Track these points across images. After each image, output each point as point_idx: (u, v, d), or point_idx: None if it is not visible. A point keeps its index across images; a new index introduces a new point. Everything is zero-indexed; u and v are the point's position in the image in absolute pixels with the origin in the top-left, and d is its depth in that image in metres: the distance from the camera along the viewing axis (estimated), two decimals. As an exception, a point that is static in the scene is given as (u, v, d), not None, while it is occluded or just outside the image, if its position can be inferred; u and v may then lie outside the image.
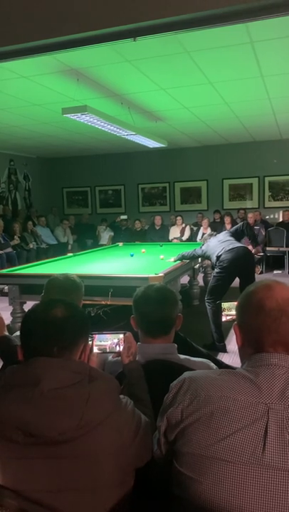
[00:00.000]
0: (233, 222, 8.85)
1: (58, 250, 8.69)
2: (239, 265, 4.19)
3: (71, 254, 6.27)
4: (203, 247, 4.66)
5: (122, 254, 6.14)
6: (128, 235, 9.44)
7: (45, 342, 1.11)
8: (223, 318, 1.80)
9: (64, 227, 10.07)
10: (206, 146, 9.85)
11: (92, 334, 1.53)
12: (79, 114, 5.00)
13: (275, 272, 8.48)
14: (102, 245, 8.78)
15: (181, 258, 4.86)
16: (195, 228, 9.42)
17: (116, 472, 1.07)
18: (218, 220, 9.34)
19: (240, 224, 4.79)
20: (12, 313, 4.36)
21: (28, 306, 3.66)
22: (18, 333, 1.27)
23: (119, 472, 1.08)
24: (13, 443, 1.00)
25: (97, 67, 4.42)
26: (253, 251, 5.32)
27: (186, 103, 6.01)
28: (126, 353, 1.51)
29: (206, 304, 4.26)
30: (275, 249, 8.57)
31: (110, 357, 1.63)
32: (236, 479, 0.95)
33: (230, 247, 4.26)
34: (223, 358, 3.87)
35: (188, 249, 4.99)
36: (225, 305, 1.76)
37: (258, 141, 9.43)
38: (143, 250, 6.35)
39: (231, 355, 3.96)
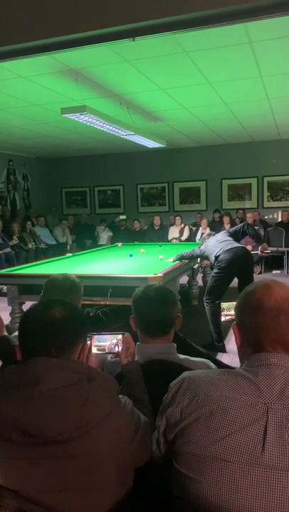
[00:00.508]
0: (232, 222, 8.86)
1: (57, 250, 8.68)
2: (238, 265, 4.19)
3: (70, 254, 6.27)
4: (202, 247, 4.67)
5: (121, 255, 6.14)
6: (127, 235, 9.44)
7: (44, 342, 1.11)
8: (223, 318, 1.80)
9: (63, 228, 10.07)
10: (205, 146, 9.85)
11: (90, 334, 1.53)
12: (78, 114, 5.00)
13: (274, 271, 8.49)
14: (101, 245, 8.78)
15: (180, 258, 4.86)
16: (194, 228, 9.43)
17: (115, 472, 1.07)
18: (218, 220, 9.34)
19: (240, 225, 4.78)
20: (11, 314, 4.35)
21: (27, 306, 3.65)
22: (17, 333, 1.27)
23: (118, 472, 1.08)
24: (13, 443, 1.00)
25: (96, 67, 4.42)
26: (259, 248, 5.34)
27: (185, 103, 6.02)
28: (124, 353, 1.51)
29: (205, 304, 4.26)
30: (274, 249, 8.58)
31: (109, 357, 1.63)
32: (236, 479, 0.95)
33: (229, 247, 4.26)
34: (223, 357, 3.87)
35: (187, 250, 4.99)
36: (224, 305, 1.76)
37: (257, 141, 9.44)
38: (142, 250, 6.35)
39: (230, 355, 3.96)
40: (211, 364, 1.62)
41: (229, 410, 1.00)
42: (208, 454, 0.99)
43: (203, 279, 6.96)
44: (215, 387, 1.05)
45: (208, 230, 8.48)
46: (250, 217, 8.75)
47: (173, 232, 9.34)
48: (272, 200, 9.80)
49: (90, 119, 5.27)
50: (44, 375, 1.04)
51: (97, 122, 5.47)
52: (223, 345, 4.19)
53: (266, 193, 9.81)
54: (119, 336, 1.55)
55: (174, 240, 8.94)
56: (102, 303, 3.93)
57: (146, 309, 1.59)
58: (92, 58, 4.13)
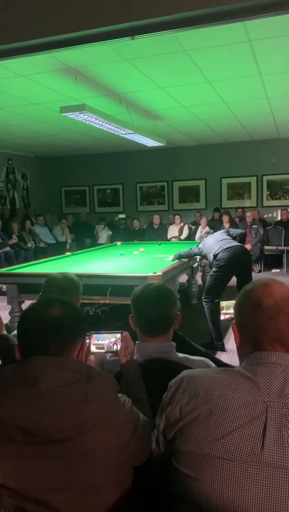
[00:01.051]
0: (232, 221, 8.87)
1: (57, 249, 8.67)
2: (236, 264, 4.19)
3: (69, 253, 6.27)
4: (200, 245, 4.67)
5: (120, 254, 6.14)
6: (126, 234, 9.43)
7: (43, 341, 1.11)
8: (222, 317, 1.80)
9: (62, 227, 10.06)
10: (205, 145, 9.85)
11: (89, 333, 1.53)
12: (77, 113, 4.99)
13: (273, 270, 8.49)
14: (100, 244, 8.77)
15: (179, 257, 4.86)
16: (193, 227, 9.43)
17: (114, 470, 1.07)
18: (217, 219, 9.34)
19: (236, 234, 4.77)
20: (10, 313, 4.35)
21: (27, 305, 3.65)
22: (16, 332, 1.27)
23: (117, 470, 1.08)
24: (12, 442, 1.00)
25: (96, 65, 4.42)
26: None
27: (185, 102, 6.01)
28: (123, 352, 1.51)
29: (204, 302, 4.26)
30: (274, 248, 8.58)
31: (108, 356, 1.63)
32: (235, 477, 0.95)
33: (228, 245, 4.26)
34: (222, 356, 3.87)
35: (186, 248, 4.99)
36: (223, 303, 1.76)
37: (256, 140, 9.43)
38: (142, 249, 6.35)
39: (230, 354, 3.96)
40: (211, 363, 1.63)
41: (228, 409, 1.00)
42: (208, 453, 0.99)
43: (203, 277, 6.97)
44: (214, 385, 1.05)
45: (207, 229, 8.49)
46: (249, 216, 8.75)
47: (172, 231, 9.34)
48: (271, 198, 9.80)
49: (90, 118, 5.27)
50: (43, 374, 1.04)
51: (97, 121, 5.47)
52: (223, 343, 4.19)
53: (265, 192, 9.81)
54: (118, 335, 1.55)
55: (174, 239, 8.94)
56: (102, 302, 3.93)
57: (145, 308, 1.59)
58: (91, 57, 4.13)
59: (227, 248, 4.24)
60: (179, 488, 1.04)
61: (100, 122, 5.54)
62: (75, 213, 10.95)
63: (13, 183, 10.29)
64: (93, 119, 5.35)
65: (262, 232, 8.61)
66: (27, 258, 7.98)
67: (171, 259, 4.89)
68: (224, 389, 1.04)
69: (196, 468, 1.00)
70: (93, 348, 1.54)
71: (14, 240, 8.37)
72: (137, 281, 3.06)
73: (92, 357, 1.49)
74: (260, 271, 8.39)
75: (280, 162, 9.39)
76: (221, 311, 1.78)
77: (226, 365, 1.80)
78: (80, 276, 2.28)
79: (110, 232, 9.95)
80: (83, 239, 10.07)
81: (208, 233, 4.96)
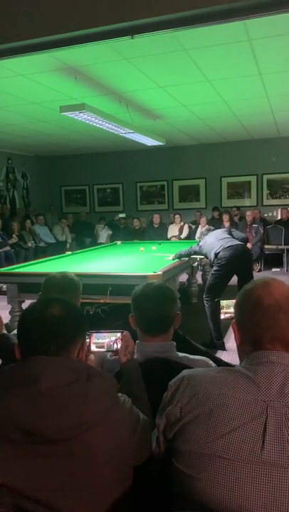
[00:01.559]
0: (232, 220, 8.87)
1: (57, 249, 8.67)
2: (237, 263, 4.18)
3: (69, 252, 6.27)
4: (201, 243, 4.66)
5: (120, 253, 6.14)
6: (126, 234, 9.43)
7: (43, 341, 1.11)
8: (222, 316, 1.80)
9: (62, 226, 10.06)
10: (205, 144, 9.84)
11: (89, 332, 1.53)
12: (77, 112, 4.99)
13: (273, 269, 8.49)
14: (100, 244, 8.77)
15: (179, 257, 4.86)
16: (193, 226, 9.42)
17: (114, 470, 1.07)
18: (217, 218, 9.33)
19: (239, 237, 4.78)
20: (10, 312, 4.36)
21: (27, 304, 3.66)
22: (16, 331, 1.27)
23: (117, 470, 1.08)
24: (12, 442, 1.00)
25: (95, 65, 4.41)
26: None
27: (185, 101, 6.01)
28: (123, 351, 1.51)
29: (205, 302, 4.26)
30: (274, 247, 8.58)
31: (108, 355, 1.63)
32: (235, 476, 0.95)
33: (229, 244, 4.26)
34: (222, 355, 3.87)
35: (186, 248, 4.99)
36: (223, 303, 1.76)
37: (256, 139, 9.43)
38: (141, 248, 6.36)
39: (230, 353, 3.96)
40: (211, 362, 1.63)
41: (229, 408, 1.00)
42: (208, 452, 0.99)
43: (203, 277, 6.96)
44: (214, 385, 1.05)
45: (207, 226, 8.48)
46: (249, 215, 8.75)
47: (172, 230, 9.34)
48: (271, 198, 9.79)
49: (89, 117, 5.26)
50: (43, 373, 1.04)
51: (96, 120, 5.46)
52: (223, 343, 4.19)
53: (265, 191, 9.81)
54: (118, 334, 1.55)
55: (174, 238, 8.93)
56: (102, 301, 3.93)
57: (145, 307, 1.59)
58: (91, 56, 4.12)
59: (228, 247, 4.23)
60: (179, 487, 1.04)
61: (100, 121, 5.54)
62: (75, 213, 10.95)
63: (13, 182, 10.28)
64: (93, 119, 5.35)
65: (262, 232, 8.60)
66: (27, 257, 7.98)
67: (171, 258, 4.89)
68: (224, 388, 1.04)
69: (196, 467, 1.00)
70: (93, 347, 1.54)
71: (14, 239, 8.37)
72: (137, 281, 3.06)
73: (92, 356, 1.49)
74: (260, 270, 8.39)
75: (280, 161, 9.39)
76: (221, 310, 1.78)
77: (226, 364, 1.80)
78: (80, 275, 2.28)
79: (110, 232, 9.95)
80: (83, 238, 10.06)
81: (208, 230, 4.93)
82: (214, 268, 4.30)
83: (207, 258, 4.73)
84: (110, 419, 1.07)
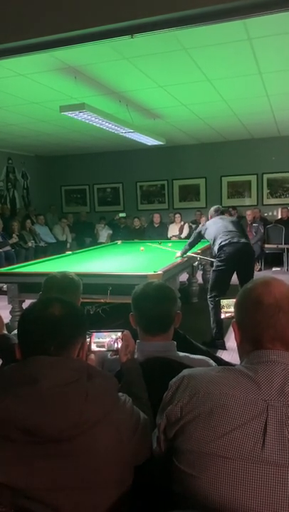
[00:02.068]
0: (232, 219, 8.85)
1: (57, 249, 8.67)
2: (239, 260, 4.20)
3: (70, 252, 6.27)
4: (208, 223, 4.64)
5: (120, 252, 6.14)
6: (127, 233, 9.43)
7: (43, 340, 1.11)
8: (222, 316, 1.80)
9: (62, 226, 10.06)
10: (205, 143, 9.84)
11: (90, 332, 1.53)
12: (77, 112, 4.99)
13: (273, 269, 8.49)
14: (100, 243, 8.77)
15: (187, 249, 4.84)
16: (194, 226, 9.42)
17: (115, 470, 1.07)
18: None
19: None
20: (11, 312, 4.36)
21: (27, 304, 3.66)
22: (16, 331, 1.27)
23: (118, 470, 1.08)
24: (13, 442, 1.00)
25: (95, 64, 4.41)
26: None
27: (184, 100, 6.00)
28: (124, 351, 1.51)
29: (209, 301, 4.25)
30: (274, 246, 8.58)
31: (109, 355, 1.63)
32: (236, 476, 0.95)
33: (235, 240, 4.27)
34: (223, 355, 3.87)
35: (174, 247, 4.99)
36: (224, 302, 1.76)
37: (256, 138, 9.42)
38: (142, 248, 6.36)
39: (231, 353, 3.96)
40: (211, 361, 1.62)
41: (229, 407, 1.00)
42: (209, 451, 0.99)
43: (203, 276, 6.97)
44: (215, 384, 1.05)
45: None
46: (249, 214, 8.74)
47: (172, 230, 9.34)
48: (271, 197, 9.79)
49: (89, 117, 5.26)
50: (43, 373, 1.04)
51: (96, 120, 5.46)
52: (223, 342, 4.19)
53: (266, 190, 9.80)
54: (119, 334, 1.55)
55: (174, 238, 8.93)
56: (102, 301, 3.93)
57: (145, 307, 1.59)
58: (91, 56, 4.12)
59: (234, 243, 4.23)
60: (180, 487, 1.04)
61: (100, 121, 5.54)
62: (75, 212, 10.95)
63: (13, 182, 10.28)
64: (93, 118, 5.35)
65: (262, 231, 8.60)
66: (27, 257, 7.98)
67: (179, 254, 4.89)
68: (225, 387, 1.04)
69: (196, 467, 1.00)
70: (94, 347, 1.54)
71: (14, 239, 8.37)
72: (137, 280, 3.06)
73: (92, 356, 1.49)
74: (260, 269, 8.38)
75: (280, 160, 9.38)
76: (222, 310, 1.78)
77: (226, 363, 1.80)
78: (81, 275, 2.28)
79: (110, 231, 9.95)
80: (83, 238, 10.06)
81: (217, 211, 4.81)
82: (216, 263, 4.31)
83: (210, 243, 4.69)
84: (111, 418, 1.07)
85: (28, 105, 5.95)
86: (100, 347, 1.55)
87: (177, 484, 1.06)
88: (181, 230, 9.26)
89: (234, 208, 9.44)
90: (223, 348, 4.14)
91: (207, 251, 5.97)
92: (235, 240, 4.25)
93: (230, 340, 4.18)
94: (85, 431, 1.02)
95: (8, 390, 1.03)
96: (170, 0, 2.11)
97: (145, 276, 3.58)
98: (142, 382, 1.43)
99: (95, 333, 1.56)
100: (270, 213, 9.68)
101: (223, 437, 0.98)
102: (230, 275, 4.29)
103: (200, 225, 4.70)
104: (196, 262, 5.97)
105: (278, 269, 8.46)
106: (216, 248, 4.34)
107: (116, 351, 1.54)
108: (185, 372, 1.16)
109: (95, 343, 1.55)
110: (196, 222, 9.42)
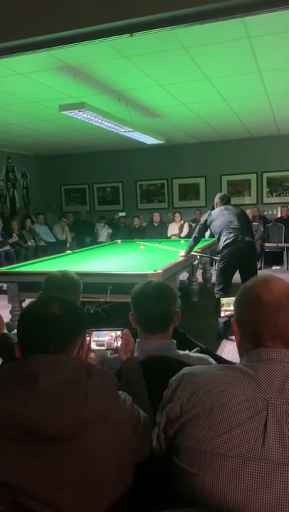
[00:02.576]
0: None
1: (57, 248, 8.67)
2: (241, 259, 4.33)
3: (70, 251, 6.27)
4: (213, 215, 4.67)
5: (120, 252, 6.14)
6: (127, 232, 9.43)
7: (42, 339, 1.11)
8: (222, 314, 1.79)
9: (62, 225, 10.05)
10: (204, 142, 9.83)
11: (89, 331, 1.53)
12: (76, 111, 4.99)
13: (273, 267, 8.49)
14: (100, 243, 8.77)
15: (193, 246, 4.86)
16: (193, 225, 9.42)
17: (115, 468, 1.07)
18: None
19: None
20: (11, 311, 4.36)
21: (27, 303, 3.66)
22: (16, 330, 1.27)
23: (118, 468, 1.08)
24: (13, 441, 1.00)
25: (94, 63, 4.41)
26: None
27: (184, 99, 6.00)
28: (123, 349, 1.51)
29: (216, 295, 4.33)
30: (274, 245, 8.58)
31: (109, 353, 1.63)
32: (236, 474, 0.95)
33: (239, 238, 4.36)
34: (223, 353, 3.87)
35: (186, 245, 5.00)
36: (224, 300, 1.76)
37: (256, 137, 9.42)
38: (141, 247, 6.35)
39: (231, 351, 3.96)
40: (211, 360, 1.63)
41: (229, 405, 1.00)
42: (209, 450, 0.99)
43: (203, 275, 6.97)
44: (215, 382, 1.05)
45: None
46: (249, 213, 8.72)
47: (172, 229, 9.34)
48: (271, 195, 9.79)
49: (89, 116, 5.26)
50: (43, 372, 1.04)
51: (96, 119, 5.46)
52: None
53: (265, 189, 9.80)
54: (118, 332, 1.55)
55: (174, 237, 8.93)
56: (102, 300, 3.93)
57: (145, 305, 1.59)
58: (90, 55, 4.12)
59: (238, 241, 4.33)
60: (180, 485, 1.04)
61: (99, 120, 5.54)
62: (75, 212, 10.94)
63: (12, 181, 10.28)
64: (92, 117, 5.34)
65: (262, 230, 8.60)
66: (27, 257, 7.98)
67: (184, 254, 4.88)
68: (225, 386, 1.04)
69: (196, 465, 1.00)
70: (93, 345, 1.55)
71: (14, 238, 8.37)
72: (137, 279, 3.06)
73: (92, 354, 1.49)
74: (260, 268, 8.36)
75: (280, 159, 9.38)
76: (221, 308, 1.77)
77: (226, 362, 1.80)
78: (81, 274, 2.28)
79: (110, 231, 9.95)
80: (83, 237, 10.06)
81: (222, 199, 4.81)
82: (220, 260, 4.46)
83: (214, 235, 4.75)
84: (111, 417, 1.07)
85: (27, 104, 5.94)
86: (99, 346, 1.55)
87: (177, 482, 1.06)
88: (180, 229, 9.26)
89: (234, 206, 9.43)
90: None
91: (207, 250, 5.98)
92: (239, 238, 4.36)
93: (230, 339, 4.18)
94: (85, 430, 1.02)
95: (7, 389, 1.03)
96: (169, -2, 2.11)
97: (145, 275, 3.58)
98: (141, 381, 1.43)
99: (94, 332, 1.56)
100: (270, 212, 9.68)
101: (223, 435, 0.98)
102: (233, 273, 4.38)
103: (203, 217, 4.72)
104: (196, 261, 5.97)
105: (278, 267, 8.46)
106: (220, 244, 4.45)
107: (116, 350, 1.54)
108: (185, 370, 1.16)
109: (94, 341, 1.55)
110: (196, 221, 9.42)
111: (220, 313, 1.77)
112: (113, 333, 1.55)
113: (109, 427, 1.06)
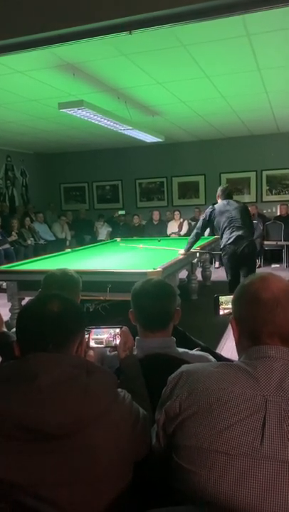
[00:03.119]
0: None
1: (56, 246, 8.67)
2: (240, 258, 4.52)
3: (69, 250, 6.27)
4: (217, 207, 4.75)
5: (120, 250, 6.14)
6: (126, 231, 9.43)
7: (41, 337, 1.11)
8: (221, 312, 1.79)
9: (62, 223, 10.05)
10: (204, 140, 9.82)
11: (88, 329, 1.53)
12: (75, 109, 4.98)
13: (273, 265, 8.49)
14: (100, 241, 8.77)
15: (193, 243, 4.94)
16: (193, 223, 9.41)
17: (115, 465, 1.07)
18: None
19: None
20: (10, 310, 4.36)
21: (27, 302, 3.66)
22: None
23: (117, 465, 1.08)
24: (12, 439, 1.00)
25: (93, 61, 4.40)
26: None
27: (183, 97, 5.99)
28: (122, 347, 1.51)
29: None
30: (273, 243, 8.58)
31: (108, 351, 1.63)
32: (235, 471, 0.95)
33: (242, 237, 4.53)
34: (222, 351, 3.88)
35: (186, 244, 5.01)
36: (222, 298, 1.75)
37: (256, 135, 9.41)
38: (141, 246, 6.35)
39: (230, 349, 3.96)
40: (211, 357, 1.63)
41: (228, 403, 1.00)
42: (208, 447, 0.99)
43: (203, 273, 6.97)
44: (213, 380, 1.06)
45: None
46: (249, 211, 8.73)
47: (172, 227, 9.33)
48: (271, 193, 9.78)
49: (88, 114, 5.25)
50: (42, 370, 1.04)
51: (95, 117, 5.45)
52: None
53: (265, 187, 9.79)
54: (117, 330, 1.55)
55: (173, 235, 8.93)
56: (102, 298, 3.93)
57: (144, 303, 1.59)
58: (89, 53, 4.11)
59: (239, 241, 4.52)
60: (180, 482, 1.04)
61: (99, 118, 5.53)
62: (75, 210, 10.93)
63: (12, 180, 10.27)
64: (91, 115, 5.33)
65: (261, 228, 8.60)
66: (27, 255, 7.98)
67: (184, 251, 4.94)
68: (223, 383, 1.04)
69: (196, 462, 1.00)
70: (92, 343, 1.55)
71: (14, 237, 8.37)
72: (137, 277, 3.05)
73: (91, 352, 1.49)
74: (259, 266, 8.37)
75: (280, 157, 9.37)
76: (220, 306, 1.77)
77: (226, 359, 1.80)
78: (80, 272, 2.28)
79: (110, 229, 9.95)
80: (83, 235, 10.06)
81: (224, 191, 4.88)
82: (223, 256, 4.69)
83: (216, 228, 4.88)
84: (110, 414, 1.07)
85: (26, 102, 5.93)
86: (98, 343, 1.55)
87: (177, 480, 1.06)
88: (180, 227, 9.26)
89: None
90: None
91: (206, 247, 5.98)
92: (240, 238, 4.52)
93: (231, 337, 4.18)
94: (84, 427, 1.02)
95: (7, 388, 1.03)
96: (168, -4, 2.10)
97: (144, 274, 3.58)
98: (141, 378, 1.43)
99: (93, 330, 1.56)
100: (269, 210, 9.68)
101: (222, 433, 0.98)
102: (236, 268, 4.63)
103: (205, 212, 4.79)
104: (196, 259, 5.97)
105: (277, 265, 8.46)
106: (223, 241, 4.64)
107: (115, 347, 1.54)
108: (184, 367, 1.16)
109: (93, 339, 1.55)
110: (195, 219, 9.41)
111: (219, 312, 1.77)
112: (112, 331, 1.55)
113: (109, 425, 1.06)
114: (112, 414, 1.08)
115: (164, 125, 7.76)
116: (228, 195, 4.89)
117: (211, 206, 4.90)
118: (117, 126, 6.15)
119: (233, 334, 1.18)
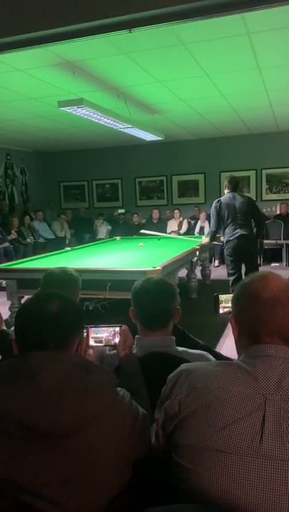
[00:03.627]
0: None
1: (56, 245, 8.66)
2: (241, 254, 4.74)
3: (69, 248, 6.27)
4: (223, 200, 4.88)
5: (119, 248, 6.14)
6: (126, 229, 9.42)
7: (40, 336, 1.10)
8: (220, 311, 1.79)
9: (61, 222, 10.04)
10: (203, 139, 9.81)
11: (87, 327, 1.53)
12: (75, 108, 4.97)
13: (272, 264, 8.49)
14: (100, 239, 8.76)
15: (215, 232, 5.12)
16: (192, 222, 9.42)
17: (114, 464, 1.07)
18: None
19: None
20: (10, 308, 4.36)
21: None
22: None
23: (117, 464, 1.08)
24: (12, 437, 1.00)
25: (93, 59, 4.39)
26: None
27: (183, 96, 5.98)
28: (122, 346, 1.51)
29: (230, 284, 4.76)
30: (273, 242, 8.58)
31: (107, 350, 1.63)
32: (234, 470, 0.96)
33: (239, 235, 4.71)
34: (222, 350, 3.88)
35: (186, 242, 5.06)
36: (222, 297, 1.75)
37: (255, 133, 9.40)
38: (141, 244, 6.35)
39: (230, 348, 3.97)
40: (210, 356, 1.63)
41: (227, 402, 1.00)
42: (207, 446, 0.99)
43: (202, 272, 6.97)
44: (213, 378, 1.06)
45: (206, 223, 8.48)
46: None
47: (171, 226, 9.33)
48: (270, 192, 9.78)
49: (88, 112, 5.25)
50: (41, 369, 1.04)
51: (95, 115, 5.44)
52: None
53: (265, 186, 9.79)
54: (117, 329, 1.55)
55: (173, 234, 8.93)
56: (101, 297, 3.93)
57: (144, 302, 1.59)
58: (89, 51, 4.10)
59: (239, 238, 4.70)
60: (179, 481, 1.05)
61: (98, 116, 5.52)
62: (74, 208, 10.93)
63: (11, 178, 10.26)
64: (91, 114, 5.33)
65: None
66: (26, 253, 7.98)
67: (208, 241, 5.34)
68: (222, 382, 1.04)
69: (195, 461, 1.01)
70: (92, 342, 1.55)
71: (13, 235, 8.36)
72: (137, 276, 3.05)
73: (91, 351, 1.49)
74: (259, 265, 8.37)
75: (279, 156, 9.36)
76: (220, 305, 1.77)
77: (225, 358, 1.81)
78: (80, 271, 2.28)
79: (109, 227, 9.95)
80: (82, 234, 10.06)
81: (231, 182, 4.97)
82: (226, 249, 4.89)
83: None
84: (110, 413, 1.07)
85: (26, 101, 5.92)
86: (97, 342, 1.56)
87: (176, 478, 1.06)
88: (180, 225, 9.26)
89: None
90: None
91: (206, 246, 5.99)
92: (241, 236, 4.68)
93: (230, 336, 4.18)
94: (83, 426, 1.02)
95: (6, 386, 1.03)
96: (168, -6, 2.10)
97: (144, 272, 3.58)
98: (140, 377, 1.43)
99: (92, 329, 1.56)
100: (269, 209, 9.67)
101: (222, 431, 0.98)
102: (240, 263, 4.84)
103: (212, 206, 4.92)
104: (195, 258, 5.97)
105: (277, 264, 8.46)
106: (225, 236, 4.84)
107: (114, 346, 1.54)
108: (183, 366, 1.16)
109: (92, 338, 1.55)
110: (195, 218, 9.41)
111: (218, 310, 1.77)
112: (111, 330, 1.55)
113: (108, 424, 1.06)
114: (112, 413, 1.08)
115: (164, 123, 7.76)
116: (235, 186, 4.91)
117: (216, 200, 4.97)
118: (117, 124, 6.14)
119: (233, 333, 1.18)
